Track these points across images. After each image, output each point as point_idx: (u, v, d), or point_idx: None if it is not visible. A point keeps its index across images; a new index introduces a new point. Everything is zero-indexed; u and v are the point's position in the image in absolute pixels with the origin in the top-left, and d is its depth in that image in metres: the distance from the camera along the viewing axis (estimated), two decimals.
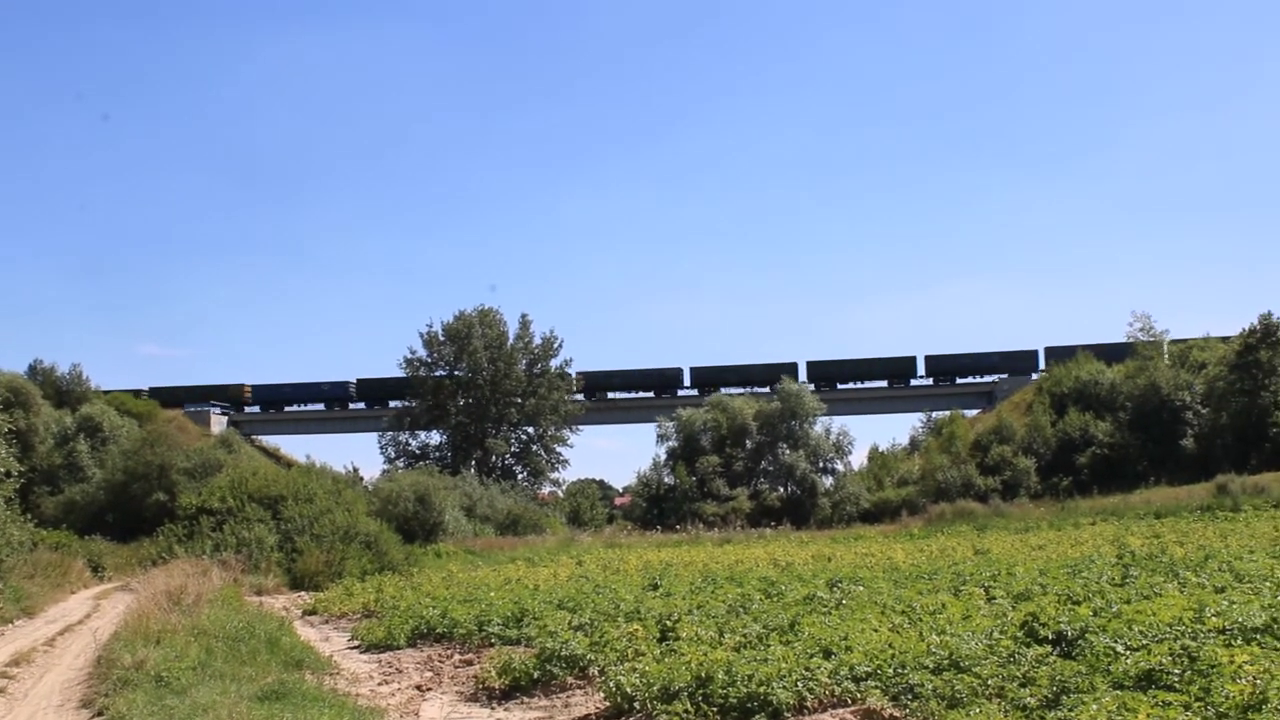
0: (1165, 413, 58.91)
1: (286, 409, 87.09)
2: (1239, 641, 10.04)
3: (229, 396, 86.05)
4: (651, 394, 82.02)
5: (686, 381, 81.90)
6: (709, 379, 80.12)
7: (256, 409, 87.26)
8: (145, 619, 16.23)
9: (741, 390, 75.66)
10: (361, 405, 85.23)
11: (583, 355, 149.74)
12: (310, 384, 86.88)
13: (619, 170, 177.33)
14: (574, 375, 76.44)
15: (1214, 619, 10.90)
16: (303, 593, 31.12)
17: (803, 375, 77.86)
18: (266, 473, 41.94)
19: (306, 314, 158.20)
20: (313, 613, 25.54)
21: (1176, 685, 8.60)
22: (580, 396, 79.04)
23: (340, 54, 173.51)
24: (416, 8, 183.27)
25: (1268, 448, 53.93)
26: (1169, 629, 10.64)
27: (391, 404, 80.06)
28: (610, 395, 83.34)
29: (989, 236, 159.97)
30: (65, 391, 71.34)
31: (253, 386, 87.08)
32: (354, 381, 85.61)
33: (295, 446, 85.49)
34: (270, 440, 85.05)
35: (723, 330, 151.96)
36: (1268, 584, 14.12)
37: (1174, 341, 65.44)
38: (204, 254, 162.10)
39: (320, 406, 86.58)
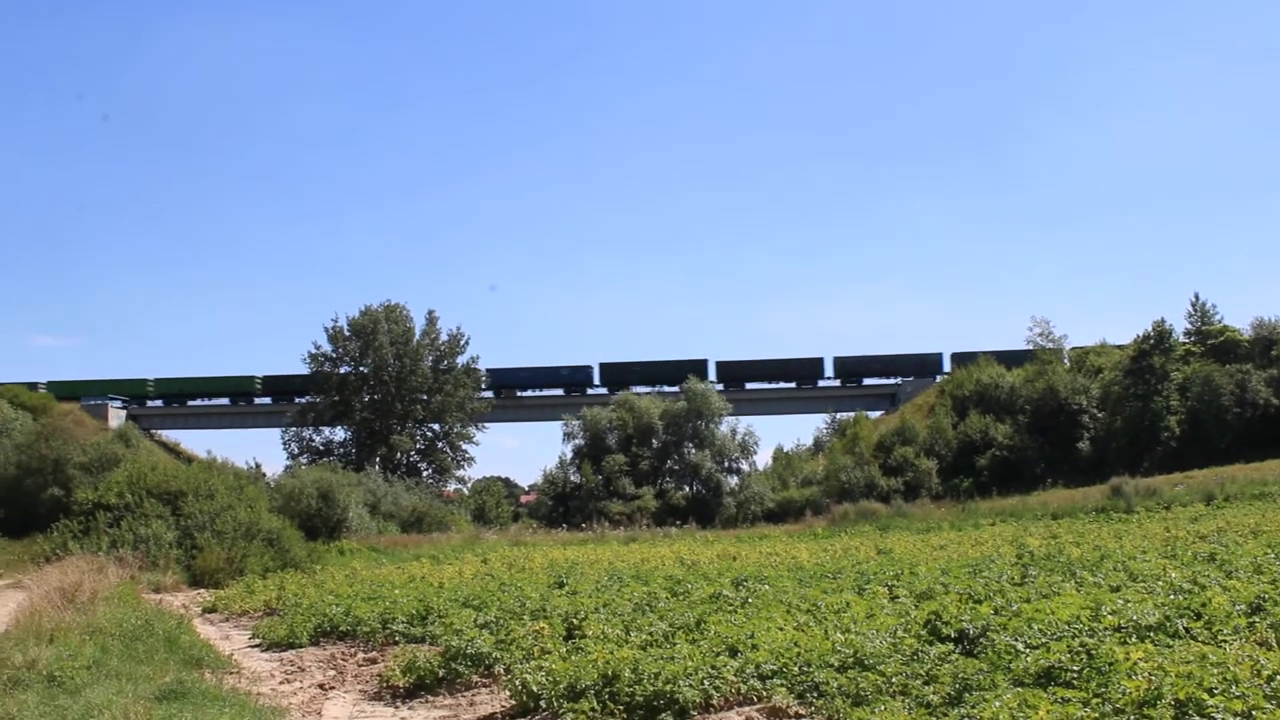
0: (1063, 416, 60.21)
1: (190, 403, 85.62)
2: (1134, 639, 10.25)
3: (130, 391, 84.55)
4: (560, 392, 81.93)
5: (596, 379, 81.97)
6: (619, 376, 79.98)
7: (160, 403, 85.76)
8: (38, 617, 15.81)
9: (649, 389, 75.70)
10: (267, 401, 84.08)
11: (490, 352, 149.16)
12: (215, 378, 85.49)
13: (529, 167, 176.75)
14: (482, 372, 76.03)
15: (1110, 617, 11.10)
16: (203, 590, 30.55)
17: (712, 374, 78.49)
18: (166, 468, 41.10)
19: (210, 307, 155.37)
20: (213, 610, 25.08)
21: (1075, 682, 8.75)
22: (488, 394, 78.65)
23: (247, 41, 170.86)
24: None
25: (1159, 451, 55.39)
26: (1067, 627, 10.82)
27: (297, 400, 78.97)
28: (520, 394, 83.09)
29: (895, 243, 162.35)
30: None
31: (154, 380, 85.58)
32: (259, 377, 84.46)
33: (197, 442, 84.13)
34: (171, 435, 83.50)
35: (632, 329, 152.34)
36: (1160, 583, 14.42)
37: (1073, 348, 66.94)
38: (106, 242, 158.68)
39: (225, 401, 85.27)
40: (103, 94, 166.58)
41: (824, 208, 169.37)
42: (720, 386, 74.18)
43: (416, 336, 73.81)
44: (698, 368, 77.05)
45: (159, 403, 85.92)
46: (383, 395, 72.70)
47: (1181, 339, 61.91)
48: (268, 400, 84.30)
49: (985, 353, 71.56)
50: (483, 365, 77.20)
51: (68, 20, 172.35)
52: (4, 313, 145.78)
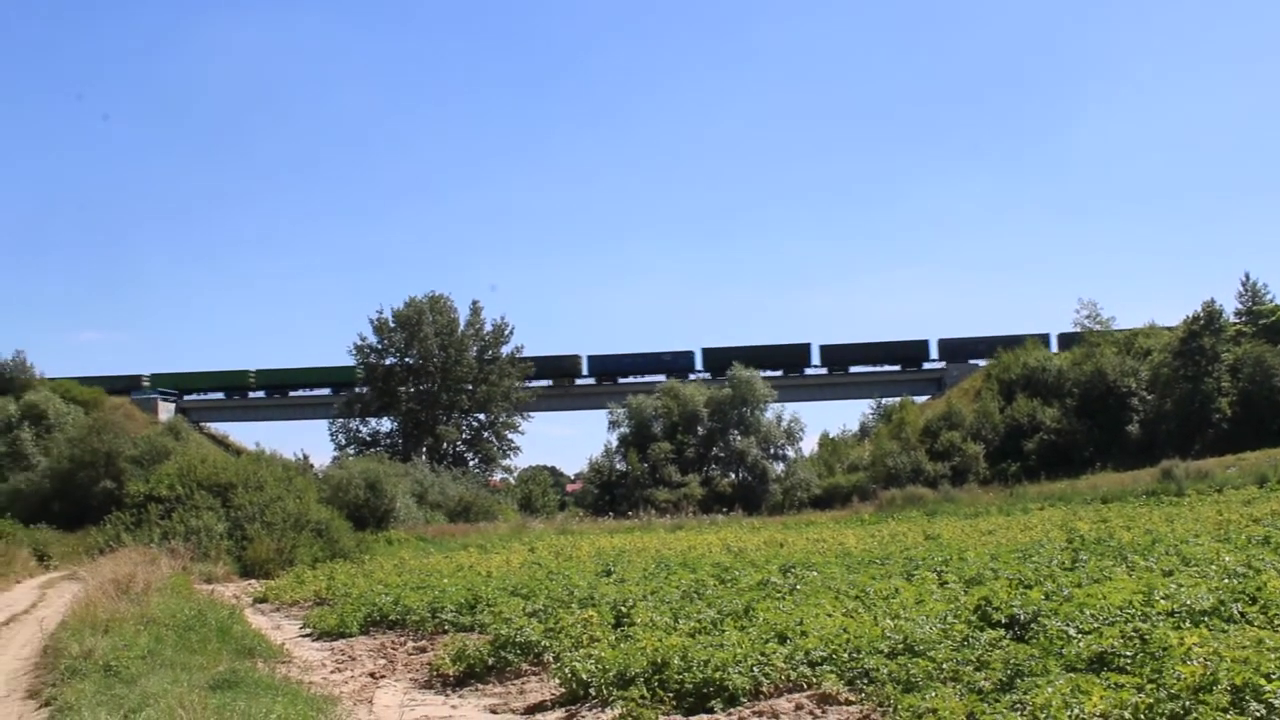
0: (1111, 399, 59.60)
1: (238, 396, 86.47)
2: (1188, 624, 10.14)
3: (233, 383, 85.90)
4: (663, 377, 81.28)
5: (699, 364, 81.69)
6: (722, 359, 78.84)
7: (262, 394, 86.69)
8: (93, 608, 16.02)
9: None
10: (323, 391, 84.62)
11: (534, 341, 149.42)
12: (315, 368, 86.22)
13: (561, 159, 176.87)
14: (530, 361, 76.17)
15: (1163, 602, 10.99)
16: (253, 581, 30.87)
17: (816, 358, 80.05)
18: (215, 460, 41.62)
19: (249, 300, 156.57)
20: (263, 601, 25.33)
21: (1128, 668, 8.67)
22: (543, 382, 78.86)
23: (289, 41, 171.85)
24: None
25: (1210, 433, 54.69)
26: (1119, 612, 10.72)
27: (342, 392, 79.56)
28: (621, 380, 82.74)
29: (938, 228, 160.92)
30: (8, 379, 70.36)
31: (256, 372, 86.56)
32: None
33: (244, 434, 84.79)
34: (219, 428, 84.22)
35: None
36: (1214, 567, 14.25)
37: (1121, 330, 66.23)
38: (157, 240, 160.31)
39: (325, 391, 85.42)
40: (139, 92, 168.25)
41: (870, 195, 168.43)
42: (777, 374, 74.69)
43: (461, 327, 74.04)
44: (803, 350, 78.85)
45: (261, 393, 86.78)
46: (428, 386, 73.03)
47: (1232, 319, 61.06)
48: (323, 391, 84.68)
49: (1032, 335, 71.07)
50: (585, 352, 78.64)
51: (104, 19, 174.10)
52: (51, 309, 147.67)
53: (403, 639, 17.09)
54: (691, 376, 77.00)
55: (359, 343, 73.79)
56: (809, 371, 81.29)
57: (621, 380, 79.93)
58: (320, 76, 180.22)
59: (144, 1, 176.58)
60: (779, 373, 78.38)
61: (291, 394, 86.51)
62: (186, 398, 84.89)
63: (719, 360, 77.96)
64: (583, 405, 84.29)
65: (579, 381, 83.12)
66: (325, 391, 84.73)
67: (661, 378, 74.03)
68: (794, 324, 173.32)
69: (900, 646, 10.49)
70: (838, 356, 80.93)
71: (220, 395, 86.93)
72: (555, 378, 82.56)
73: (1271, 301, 62.67)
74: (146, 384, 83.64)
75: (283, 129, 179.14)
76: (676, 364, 78.90)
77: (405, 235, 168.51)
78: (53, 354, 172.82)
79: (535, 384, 79.82)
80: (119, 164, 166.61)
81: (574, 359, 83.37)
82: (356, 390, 75.22)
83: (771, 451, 66.59)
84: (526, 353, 75.59)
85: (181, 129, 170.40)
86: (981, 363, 74.17)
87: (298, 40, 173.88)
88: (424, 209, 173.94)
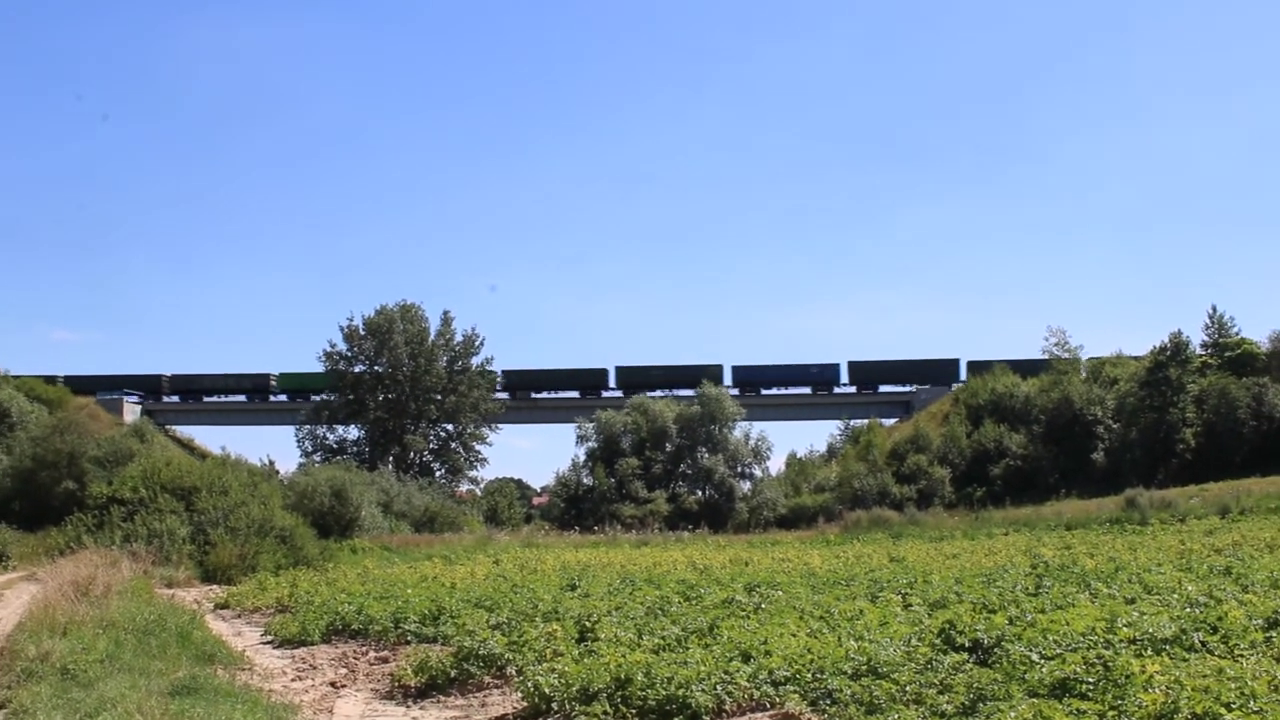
0: (1078, 426, 60.01)
1: (205, 399, 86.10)
2: (1150, 652, 10.22)
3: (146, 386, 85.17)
4: (576, 394, 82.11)
5: (611, 382, 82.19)
6: (634, 380, 79.93)
7: (175, 399, 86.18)
8: (51, 610, 15.83)
9: (664, 394, 75.39)
10: (283, 398, 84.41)
11: (504, 354, 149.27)
12: (232, 374, 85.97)
13: (544, 168, 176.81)
14: (496, 373, 76.12)
15: (1126, 629, 11.06)
16: (215, 586, 30.60)
17: (728, 379, 79.05)
18: (180, 463, 41.30)
19: (224, 303, 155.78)
20: (225, 607, 25.14)
21: (1090, 694, 8.70)
22: (503, 395, 78.78)
23: (273, 43, 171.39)
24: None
25: (1175, 463, 55.22)
26: (1082, 638, 10.78)
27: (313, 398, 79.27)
28: (535, 395, 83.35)
29: (910, 250, 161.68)
30: None
31: (169, 376, 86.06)
32: (275, 374, 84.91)
33: (211, 438, 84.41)
34: (185, 431, 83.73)
35: (647, 334, 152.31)
36: (1176, 596, 14.37)
37: (1089, 358, 66.74)
38: (122, 238, 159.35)
39: (241, 398, 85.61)
40: (121, 91, 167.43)
41: (839, 215, 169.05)
42: (736, 391, 74.54)
43: (431, 337, 73.95)
44: (713, 373, 77.13)
45: (176, 398, 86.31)
46: (397, 395, 72.84)
47: (1198, 351, 61.68)
48: (284, 398, 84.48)
49: (1001, 361, 71.45)
50: (497, 366, 77.83)
51: (86, 18, 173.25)
52: (22, 307, 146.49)
53: (365, 649, 16.99)
54: (604, 394, 78.56)
55: (329, 349, 73.62)
56: (838, 390, 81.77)
57: (649, 393, 78.61)
58: (305, 80, 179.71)
59: (125, 1, 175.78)
60: (808, 390, 79.59)
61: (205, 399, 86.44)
62: (206, 399, 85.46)
63: (749, 376, 79.31)
64: None
65: (605, 393, 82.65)
66: (239, 398, 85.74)
67: (690, 392, 73.49)
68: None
69: (864, 668, 10.51)
70: (865, 374, 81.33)
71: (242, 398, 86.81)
72: (582, 389, 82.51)
73: (1237, 335, 63.34)
74: (166, 385, 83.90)
75: (266, 131, 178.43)
76: (704, 376, 78.21)
77: (384, 241, 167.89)
78: (23, 353, 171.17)
79: (565, 395, 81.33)
80: (98, 163, 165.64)
81: (601, 371, 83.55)
82: (324, 397, 74.90)
83: (739, 470, 66.70)
84: (548, 364, 75.84)
85: (163, 130, 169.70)
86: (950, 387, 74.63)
87: (282, 43, 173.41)
88: (403, 214, 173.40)
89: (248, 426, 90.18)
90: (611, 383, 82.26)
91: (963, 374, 77.46)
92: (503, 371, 79.78)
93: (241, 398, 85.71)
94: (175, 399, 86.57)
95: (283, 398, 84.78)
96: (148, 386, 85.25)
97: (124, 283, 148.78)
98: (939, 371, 78.40)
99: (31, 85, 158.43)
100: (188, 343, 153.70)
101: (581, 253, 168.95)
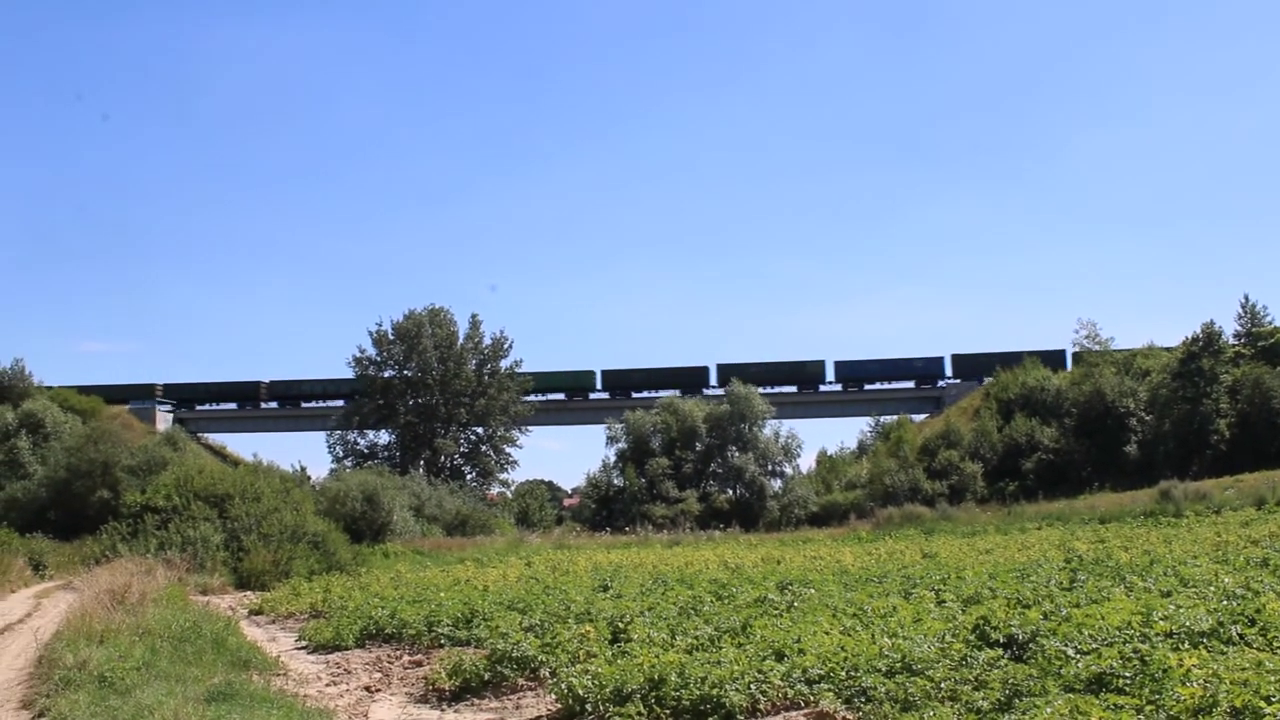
0: (1110, 419, 59.55)
1: (234, 406, 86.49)
2: (1186, 645, 10.13)
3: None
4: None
5: (713, 379, 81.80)
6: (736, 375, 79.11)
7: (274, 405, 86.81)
8: (88, 618, 15.93)
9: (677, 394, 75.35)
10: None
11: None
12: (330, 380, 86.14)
13: (558, 172, 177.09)
14: (526, 375, 76.10)
15: (1162, 623, 10.97)
16: (249, 592, 30.78)
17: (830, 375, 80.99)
18: (212, 471, 41.52)
19: (252, 310, 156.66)
20: (259, 612, 25.24)
21: (1127, 689, 8.64)
22: (531, 397, 78.74)
23: (295, 50, 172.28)
24: (373, 7, 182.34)
25: (1209, 454, 54.71)
26: (1118, 633, 10.71)
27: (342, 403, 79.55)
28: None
29: (937, 247, 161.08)
30: (7, 387, 70.27)
31: (268, 383, 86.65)
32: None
33: (242, 445, 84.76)
34: (217, 439, 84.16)
35: (674, 332, 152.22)
36: (1212, 589, 14.24)
37: (1120, 350, 66.23)
38: (150, 249, 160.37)
39: (340, 403, 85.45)
40: (145, 98, 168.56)
41: (865, 213, 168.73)
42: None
43: (460, 340, 74.11)
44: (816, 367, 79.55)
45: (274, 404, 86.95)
46: (427, 399, 73.04)
47: (1231, 341, 61.09)
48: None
49: (1030, 353, 71.12)
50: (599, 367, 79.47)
51: (112, 24, 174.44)
52: (53, 319, 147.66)
53: (399, 652, 17.03)
54: (706, 392, 77.02)
55: (358, 355, 73.93)
56: (824, 388, 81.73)
57: (635, 395, 79.75)
58: (326, 86, 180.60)
59: (151, 6, 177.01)
60: (794, 389, 78.92)
61: (304, 405, 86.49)
62: (199, 408, 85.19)
63: (733, 376, 78.36)
64: (594, 420, 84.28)
65: (593, 396, 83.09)
66: (339, 403, 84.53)
67: (675, 392, 73.82)
68: (800, 341, 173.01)
69: (898, 665, 10.47)
70: (851, 373, 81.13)
71: (233, 406, 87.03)
72: (569, 391, 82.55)
73: (1270, 324, 62.74)
74: (159, 393, 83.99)
75: (288, 137, 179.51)
76: (691, 380, 78.76)
77: (408, 246, 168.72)
78: (55, 363, 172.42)
79: (549, 397, 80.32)
80: (124, 171, 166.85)
81: (588, 374, 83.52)
82: (355, 402, 75.21)
83: (769, 468, 66.49)
84: (536, 367, 75.92)
85: (186, 137, 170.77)
86: (980, 381, 74.26)
87: (303, 50, 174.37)
88: (427, 220, 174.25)
89: (278, 434, 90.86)
90: (713, 381, 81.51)
91: (948, 369, 78.45)
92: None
93: (340, 403, 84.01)
94: (274, 405, 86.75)
95: (335, 403, 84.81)
96: (245, 394, 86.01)
97: (151, 294, 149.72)
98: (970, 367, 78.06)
99: (58, 97, 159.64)
100: (215, 350, 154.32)
101: (598, 253, 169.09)
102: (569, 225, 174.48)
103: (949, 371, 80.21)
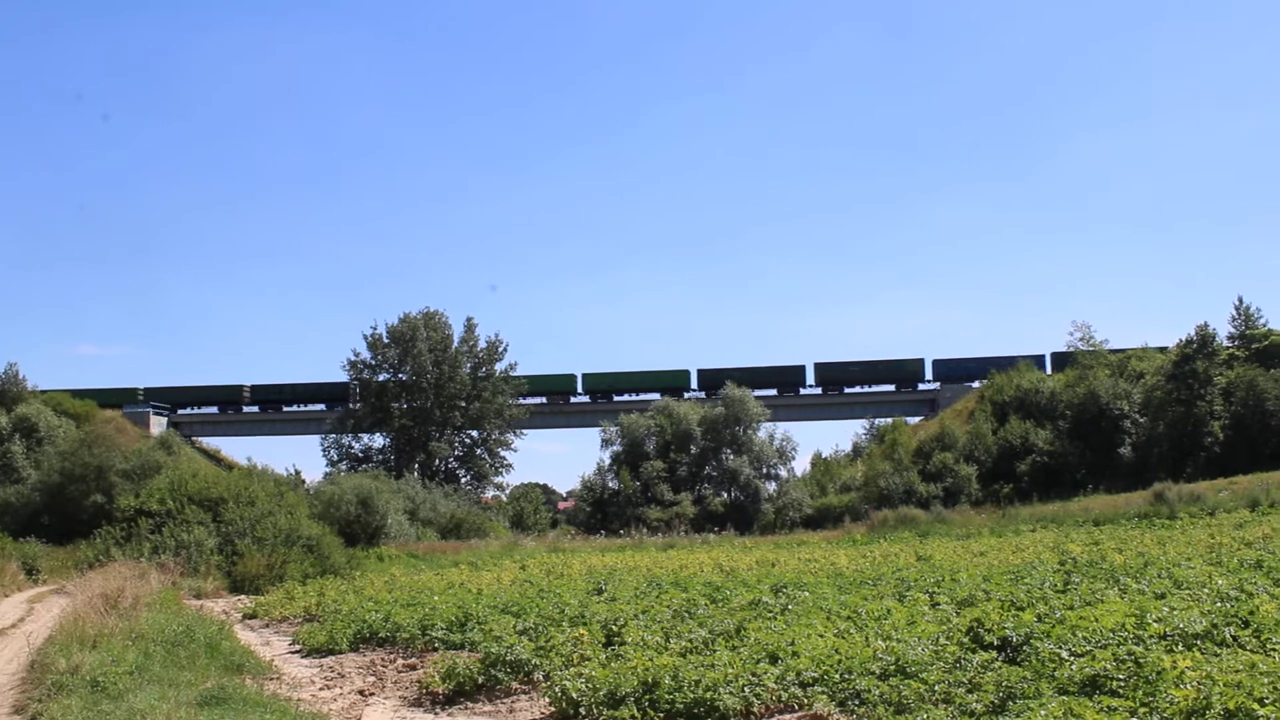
0: (1104, 421, 59.59)
1: (216, 410, 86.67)
2: (1180, 647, 10.15)
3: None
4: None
5: (694, 383, 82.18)
6: (718, 379, 78.69)
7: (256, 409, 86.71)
8: (81, 623, 15.91)
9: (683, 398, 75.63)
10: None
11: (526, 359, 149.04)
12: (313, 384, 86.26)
13: (559, 175, 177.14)
14: (521, 379, 76.09)
15: (1155, 625, 10.99)
16: (243, 596, 30.72)
17: (810, 378, 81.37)
18: (207, 475, 41.44)
19: (248, 313, 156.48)
20: (253, 616, 25.20)
21: (1121, 691, 8.65)
22: (530, 400, 78.75)
23: (293, 52, 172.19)
24: (368, 10, 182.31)
25: (1203, 456, 54.74)
26: (1112, 635, 10.72)
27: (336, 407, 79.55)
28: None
29: (931, 250, 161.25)
30: (0, 391, 70.14)
31: (250, 387, 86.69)
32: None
33: (236, 449, 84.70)
34: (211, 442, 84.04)
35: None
36: (1206, 591, 14.25)
37: (1113, 351, 66.26)
38: (158, 252, 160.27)
39: (320, 406, 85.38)
40: (142, 100, 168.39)
41: (859, 216, 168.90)
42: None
43: (455, 343, 74.08)
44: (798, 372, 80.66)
45: (255, 408, 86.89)
46: (421, 402, 72.96)
47: (1225, 343, 61.14)
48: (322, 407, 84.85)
49: (1024, 357, 71.28)
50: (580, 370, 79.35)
51: (109, 26, 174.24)
52: (49, 322, 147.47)
53: (392, 656, 17.01)
54: (687, 396, 76.97)
55: (353, 358, 73.89)
56: (804, 391, 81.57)
57: (617, 398, 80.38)
58: (324, 88, 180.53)
59: (149, 6, 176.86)
60: (773, 392, 78.75)
61: (285, 409, 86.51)
62: (183, 411, 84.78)
63: (714, 380, 78.31)
64: (578, 423, 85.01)
65: (574, 399, 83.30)
66: (320, 406, 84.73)
67: (656, 396, 74.20)
68: (778, 345, 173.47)
69: (892, 668, 10.47)
70: (832, 376, 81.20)
71: (214, 410, 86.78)
72: (550, 395, 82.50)
73: (1264, 326, 62.76)
74: (141, 397, 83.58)
75: (284, 140, 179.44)
76: (672, 383, 79.25)
77: (401, 251, 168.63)
78: (51, 367, 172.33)
79: (529, 401, 79.82)
80: (123, 173, 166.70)
81: (569, 377, 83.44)
82: (350, 406, 75.16)
83: (764, 471, 66.48)
84: (520, 371, 75.85)
85: (186, 139, 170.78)
86: (975, 384, 74.33)
87: (302, 52, 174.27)
88: (420, 224, 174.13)
89: (270, 437, 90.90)
90: (694, 385, 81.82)
91: (928, 373, 79.18)
92: (816, 364, 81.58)
93: (321, 407, 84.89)
94: (255, 409, 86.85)
95: (315, 406, 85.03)
96: (227, 398, 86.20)
97: (149, 298, 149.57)
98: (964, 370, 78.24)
99: (57, 98, 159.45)
100: (206, 352, 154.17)
101: (594, 259, 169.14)
102: (554, 230, 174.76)
103: (929, 374, 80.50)
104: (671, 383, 79.89)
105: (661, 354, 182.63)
